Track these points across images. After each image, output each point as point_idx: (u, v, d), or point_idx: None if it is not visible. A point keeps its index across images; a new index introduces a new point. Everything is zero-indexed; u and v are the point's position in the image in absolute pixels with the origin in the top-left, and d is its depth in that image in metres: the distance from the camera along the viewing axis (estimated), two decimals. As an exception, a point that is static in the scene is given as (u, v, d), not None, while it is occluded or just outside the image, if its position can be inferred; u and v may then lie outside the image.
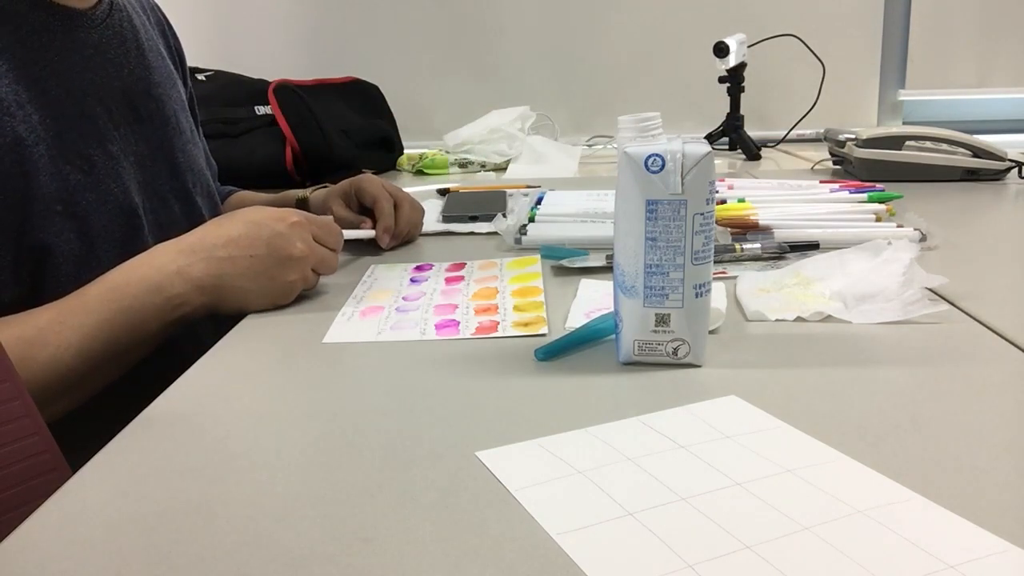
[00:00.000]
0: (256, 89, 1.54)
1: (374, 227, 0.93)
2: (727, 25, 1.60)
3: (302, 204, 1.02)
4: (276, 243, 0.71)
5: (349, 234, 0.87)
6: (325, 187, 1.03)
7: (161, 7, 0.98)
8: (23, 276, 0.68)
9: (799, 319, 0.65)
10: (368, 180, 0.97)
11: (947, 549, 0.36)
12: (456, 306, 0.72)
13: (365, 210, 0.96)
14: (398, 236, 0.94)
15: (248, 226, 0.71)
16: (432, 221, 1.04)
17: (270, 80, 1.56)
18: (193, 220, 0.86)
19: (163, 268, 0.69)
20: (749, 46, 1.58)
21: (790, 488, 0.41)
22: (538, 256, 0.86)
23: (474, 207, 1.07)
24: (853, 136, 1.23)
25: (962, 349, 0.59)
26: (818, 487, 0.41)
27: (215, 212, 0.93)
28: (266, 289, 0.72)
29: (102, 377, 0.68)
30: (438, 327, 0.67)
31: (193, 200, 0.88)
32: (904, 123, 1.87)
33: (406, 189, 1.35)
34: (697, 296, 0.56)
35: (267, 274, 0.71)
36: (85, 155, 0.73)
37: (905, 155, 1.20)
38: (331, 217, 0.81)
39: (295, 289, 0.74)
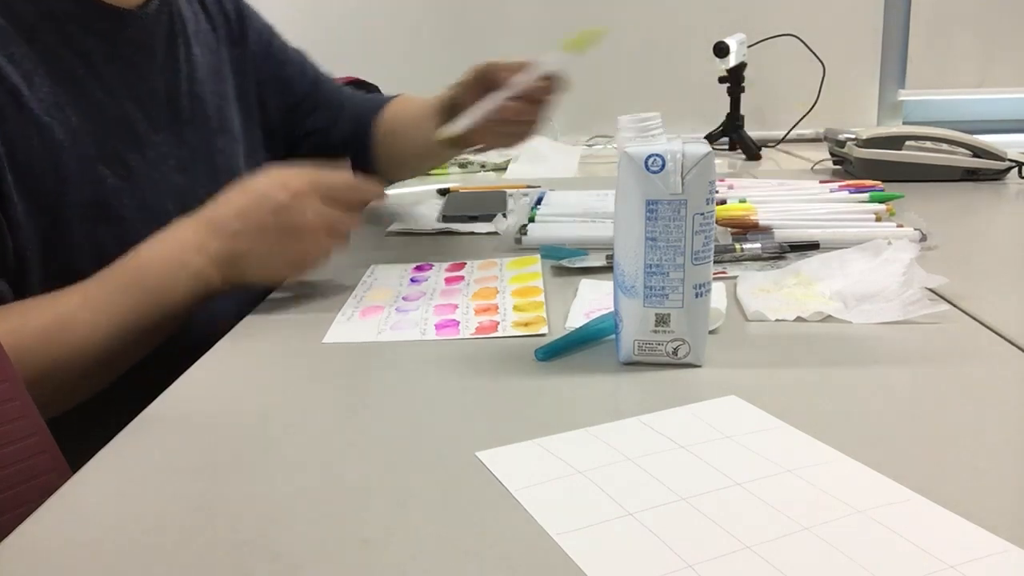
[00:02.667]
0: (256, 89, 1.53)
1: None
2: (727, 25, 1.60)
3: (447, 104, 0.97)
4: (282, 215, 0.69)
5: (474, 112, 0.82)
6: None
7: None
8: (57, 278, 0.69)
9: (799, 319, 0.65)
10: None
11: (947, 549, 0.36)
12: (456, 306, 0.72)
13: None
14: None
15: (253, 197, 0.71)
16: (432, 221, 1.04)
17: (270, 80, 1.55)
18: None
19: (185, 243, 0.69)
20: (749, 46, 1.58)
21: (790, 488, 0.41)
22: (538, 256, 0.86)
23: (474, 207, 1.07)
24: (853, 136, 1.23)
25: (962, 349, 0.59)
26: (818, 487, 0.41)
27: None
28: (281, 259, 0.71)
29: (133, 355, 0.69)
30: (438, 327, 0.67)
31: None
32: (904, 123, 1.87)
33: (406, 189, 1.35)
34: (697, 296, 0.55)
35: (279, 244, 0.70)
36: (123, 160, 0.73)
37: (905, 155, 1.20)
38: (346, 174, 0.75)
39: (310, 257, 0.72)
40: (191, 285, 0.69)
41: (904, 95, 1.85)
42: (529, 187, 1.22)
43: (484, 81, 0.91)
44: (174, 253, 0.69)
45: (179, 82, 0.81)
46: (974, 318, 0.65)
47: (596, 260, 0.81)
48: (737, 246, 0.81)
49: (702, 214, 0.54)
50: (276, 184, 0.71)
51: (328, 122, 1.07)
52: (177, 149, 0.80)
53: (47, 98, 0.69)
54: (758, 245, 0.81)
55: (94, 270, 0.69)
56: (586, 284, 0.76)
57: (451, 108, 0.95)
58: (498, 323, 0.67)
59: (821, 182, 1.09)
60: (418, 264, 0.86)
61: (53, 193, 0.68)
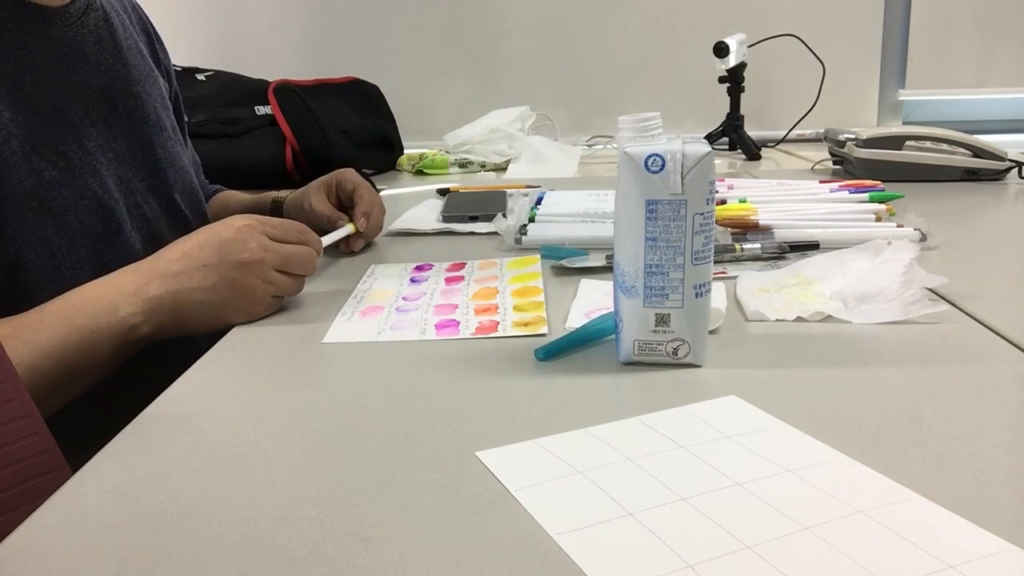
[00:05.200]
0: (256, 89, 1.54)
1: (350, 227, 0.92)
2: (727, 25, 1.60)
3: (277, 205, 1.02)
4: (226, 249, 0.68)
5: (326, 239, 0.85)
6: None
7: (154, 8, 0.98)
8: (5, 274, 0.68)
9: (799, 319, 0.65)
10: (349, 172, 0.97)
11: (947, 549, 0.36)
12: (456, 306, 0.72)
13: (343, 209, 0.95)
14: (368, 236, 0.94)
15: (199, 239, 0.70)
16: (432, 221, 1.04)
17: (270, 80, 1.56)
18: (172, 217, 0.86)
19: (121, 288, 0.67)
20: (749, 46, 1.58)
21: (790, 488, 0.41)
22: (538, 256, 0.86)
23: (474, 207, 1.07)
24: (853, 136, 1.23)
25: (962, 349, 0.59)
26: (818, 487, 0.41)
27: (197, 209, 0.92)
28: (226, 299, 0.69)
29: (52, 401, 0.65)
30: (438, 327, 0.67)
31: (172, 197, 0.87)
32: (904, 123, 1.87)
33: (406, 189, 1.36)
34: (697, 296, 0.56)
35: (223, 282, 0.68)
36: (60, 151, 0.73)
37: (905, 155, 1.20)
38: (288, 221, 0.77)
39: (258, 294, 0.70)
40: (117, 332, 0.66)
41: (904, 95, 1.85)
42: (529, 187, 1.22)
43: (331, 189, 0.97)
44: (108, 296, 0.66)
45: (113, 80, 0.82)
46: (974, 318, 0.65)
47: (596, 260, 0.81)
48: (737, 246, 0.81)
49: (702, 214, 0.54)
50: (222, 224, 0.71)
51: None
52: (114, 142, 0.80)
53: None
54: (758, 245, 0.81)
55: (41, 263, 0.69)
56: (586, 284, 0.76)
57: (277, 211, 1.02)
58: (498, 323, 0.67)
59: (821, 182, 1.09)
60: (418, 264, 0.86)
61: None
